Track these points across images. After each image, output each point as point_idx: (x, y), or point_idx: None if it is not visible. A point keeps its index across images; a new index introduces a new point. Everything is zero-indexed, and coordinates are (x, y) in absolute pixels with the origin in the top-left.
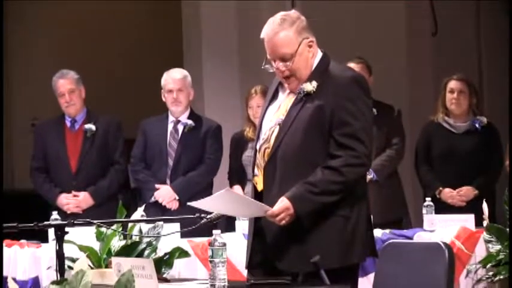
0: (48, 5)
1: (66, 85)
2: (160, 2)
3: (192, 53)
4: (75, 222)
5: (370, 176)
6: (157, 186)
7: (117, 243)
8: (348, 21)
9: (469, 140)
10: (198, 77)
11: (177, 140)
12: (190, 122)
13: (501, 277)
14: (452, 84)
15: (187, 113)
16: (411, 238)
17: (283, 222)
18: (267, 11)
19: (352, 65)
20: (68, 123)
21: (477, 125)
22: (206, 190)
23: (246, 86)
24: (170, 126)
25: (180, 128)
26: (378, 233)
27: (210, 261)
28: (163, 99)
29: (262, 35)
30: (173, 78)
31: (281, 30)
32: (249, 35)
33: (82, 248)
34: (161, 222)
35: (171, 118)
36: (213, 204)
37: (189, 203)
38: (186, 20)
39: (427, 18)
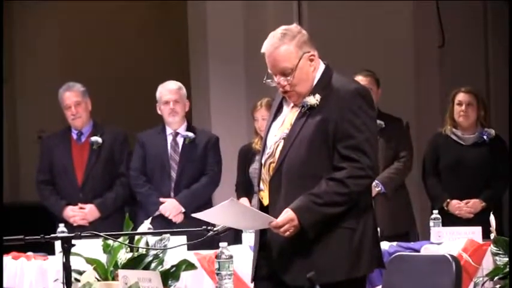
0: (55, 14)
1: (72, 98)
2: (166, 12)
3: (198, 63)
4: (81, 234)
5: (378, 188)
6: (162, 200)
7: (123, 255)
8: (354, 33)
9: (477, 152)
10: (205, 88)
11: (178, 152)
12: (191, 134)
13: None
14: (460, 96)
15: (184, 125)
16: (418, 251)
17: (288, 233)
18: (274, 18)
19: (360, 77)
20: (74, 136)
21: (485, 137)
22: (209, 203)
23: (252, 97)
24: (169, 139)
25: (180, 140)
26: (385, 245)
27: (217, 274)
28: (159, 112)
29: (263, 50)
30: (169, 89)
31: (281, 44)
32: (255, 45)
33: (89, 261)
34: (168, 235)
35: (169, 130)
36: (217, 215)
37: (193, 214)
38: (192, 30)
39: (434, 30)
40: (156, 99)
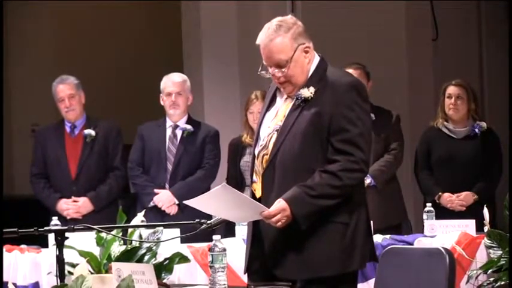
0: (48, 9)
1: (66, 90)
2: (160, 8)
3: (192, 59)
4: (75, 227)
5: (368, 181)
6: (156, 191)
7: (117, 248)
8: (347, 26)
9: (468, 145)
10: (198, 83)
11: (176, 144)
12: (189, 127)
13: (502, 283)
14: (451, 89)
15: (185, 118)
16: (412, 244)
17: (280, 224)
18: (267, 16)
19: (350, 70)
20: (68, 129)
21: (477, 130)
22: None
23: (246, 92)
24: (169, 131)
25: (179, 133)
26: (378, 238)
27: (210, 267)
28: (162, 103)
29: (257, 41)
30: (173, 81)
31: (276, 36)
32: (249, 40)
33: (82, 254)
34: (161, 228)
35: (169, 123)
36: (209, 202)
37: (184, 201)
38: (186, 25)
39: (427, 23)
40: (160, 90)
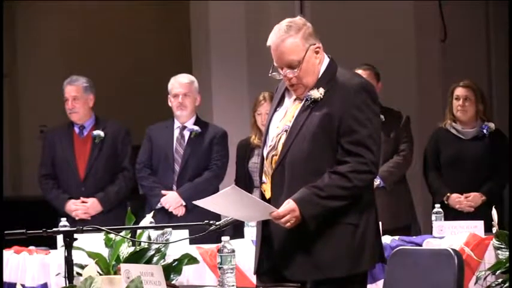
0: (57, 10)
1: (72, 92)
2: (169, 8)
3: (201, 59)
4: (83, 228)
5: (377, 182)
6: (163, 192)
7: (125, 249)
8: (356, 27)
9: (477, 146)
10: (207, 83)
11: (183, 146)
12: (196, 128)
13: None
14: (458, 91)
15: (193, 119)
16: (420, 245)
17: (288, 224)
18: (276, 17)
19: (359, 71)
20: (77, 130)
21: (485, 131)
22: None
23: (255, 93)
24: (176, 132)
25: (186, 134)
26: (387, 239)
27: (219, 268)
28: (170, 104)
29: (268, 43)
30: (180, 82)
31: (287, 37)
32: (258, 40)
33: (91, 255)
34: (170, 229)
35: (176, 124)
36: (218, 203)
37: (194, 202)
38: (194, 26)
39: (436, 24)
40: (168, 91)
